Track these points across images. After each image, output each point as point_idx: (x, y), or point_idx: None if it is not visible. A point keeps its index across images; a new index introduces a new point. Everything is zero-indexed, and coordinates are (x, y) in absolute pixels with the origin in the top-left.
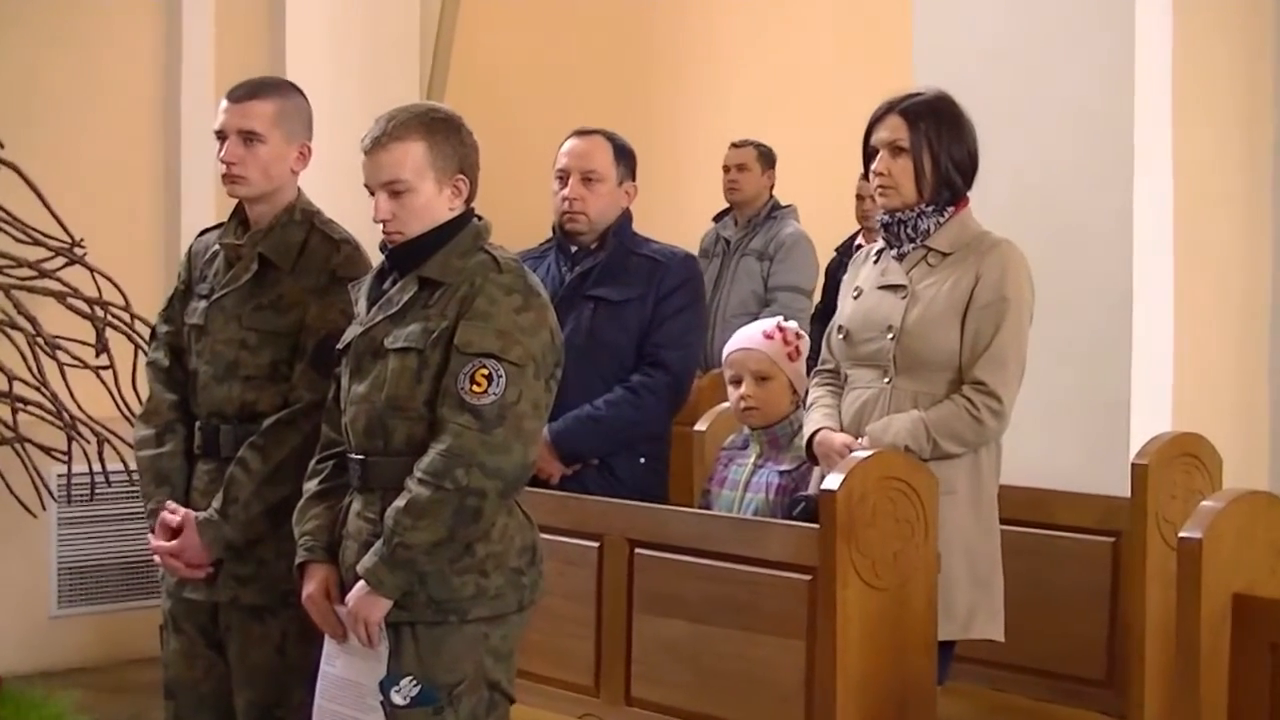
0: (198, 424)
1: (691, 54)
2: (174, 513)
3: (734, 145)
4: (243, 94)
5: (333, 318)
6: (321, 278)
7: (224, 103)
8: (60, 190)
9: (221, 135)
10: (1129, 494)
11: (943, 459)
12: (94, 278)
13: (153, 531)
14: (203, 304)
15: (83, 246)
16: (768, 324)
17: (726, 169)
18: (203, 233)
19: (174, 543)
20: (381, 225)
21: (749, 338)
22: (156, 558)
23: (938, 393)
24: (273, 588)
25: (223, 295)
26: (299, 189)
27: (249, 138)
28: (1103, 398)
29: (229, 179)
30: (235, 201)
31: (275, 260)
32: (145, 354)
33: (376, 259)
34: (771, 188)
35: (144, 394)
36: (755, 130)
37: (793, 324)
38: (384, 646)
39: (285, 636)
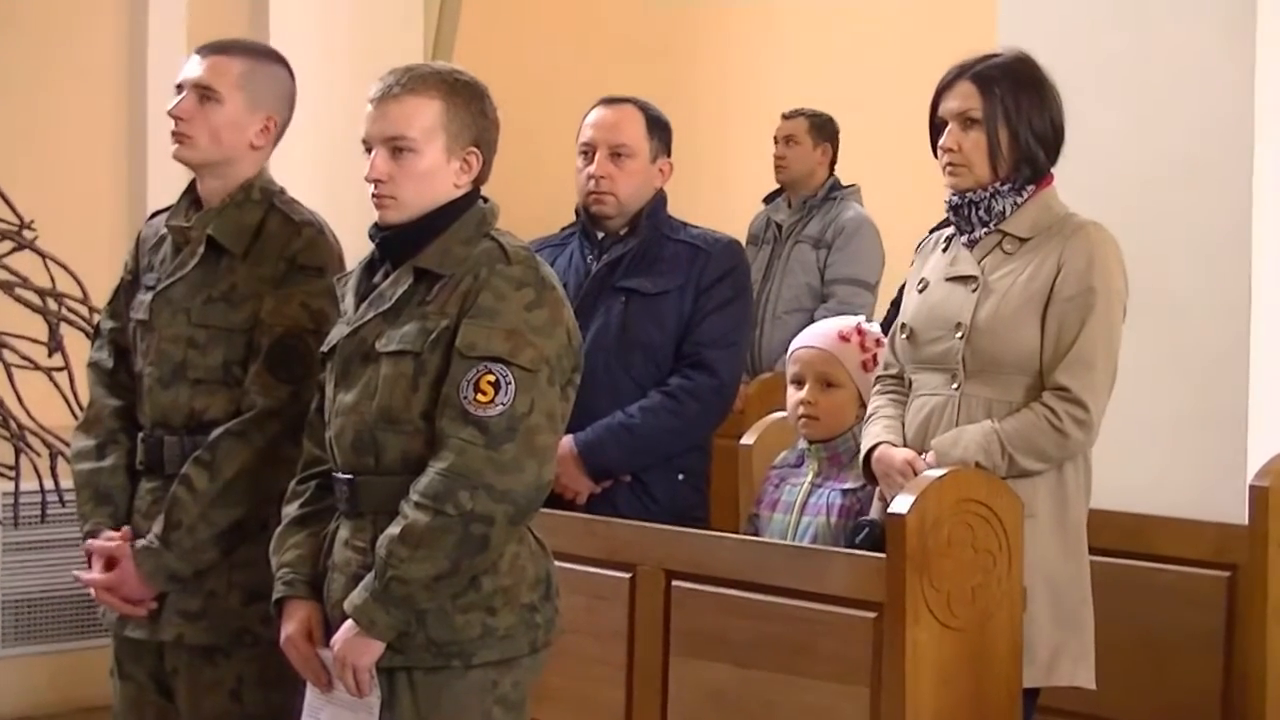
0: (140, 435)
1: (741, 11)
2: (110, 540)
3: (784, 116)
4: (212, 48)
5: (291, 312)
6: (279, 265)
7: (194, 57)
8: (7, 166)
9: (180, 90)
10: (1246, 521)
11: (1020, 477)
12: (46, 265)
13: (88, 559)
14: (148, 296)
15: (33, 229)
16: (846, 323)
17: (776, 141)
18: (153, 215)
19: (108, 575)
20: (372, 187)
21: (821, 335)
22: (91, 592)
23: (1014, 400)
24: (224, 625)
25: (169, 285)
26: (264, 168)
27: (205, 94)
28: (1216, 410)
29: (174, 137)
30: None
31: (226, 244)
32: None
33: (366, 247)
34: (831, 164)
35: None
36: (814, 100)
37: (874, 327)
38: (375, 696)
39: (241, 680)
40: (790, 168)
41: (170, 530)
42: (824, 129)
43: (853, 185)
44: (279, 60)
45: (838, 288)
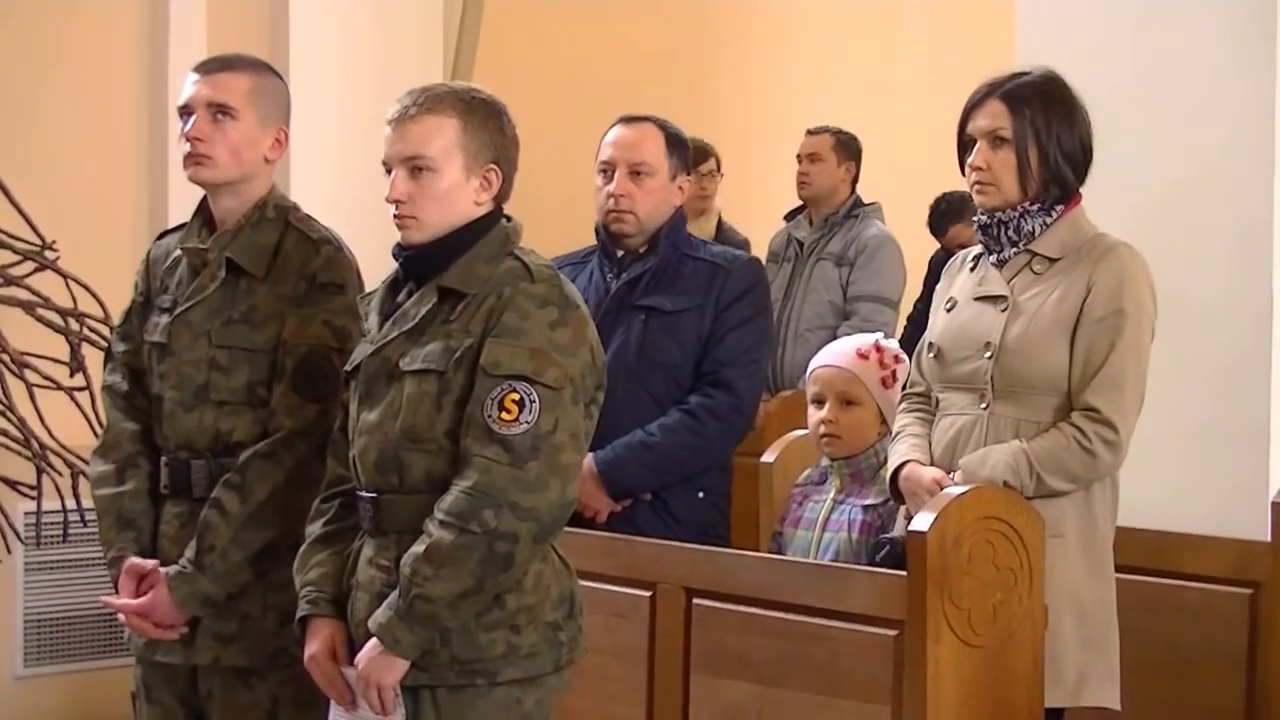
0: (164, 459)
1: (760, 31)
2: (142, 566)
3: (809, 132)
4: (214, 66)
5: (315, 331)
6: (300, 284)
7: (192, 76)
8: (29, 185)
9: (187, 111)
10: (1268, 537)
11: (1048, 497)
12: (68, 285)
13: (115, 585)
14: (165, 319)
15: (55, 249)
16: (864, 341)
17: (799, 158)
18: (161, 235)
19: (140, 600)
20: (394, 208)
21: (840, 354)
22: (121, 617)
23: (1043, 420)
24: (259, 647)
25: (188, 308)
26: (274, 184)
27: (220, 112)
28: (1238, 425)
29: (192, 160)
30: None
31: (246, 266)
32: None
33: (386, 266)
34: (853, 182)
35: None
36: (835, 118)
37: (893, 344)
38: (400, 714)
39: (276, 702)
40: (814, 184)
41: (203, 554)
42: (848, 147)
43: (874, 203)
44: (275, 73)
45: (861, 305)
